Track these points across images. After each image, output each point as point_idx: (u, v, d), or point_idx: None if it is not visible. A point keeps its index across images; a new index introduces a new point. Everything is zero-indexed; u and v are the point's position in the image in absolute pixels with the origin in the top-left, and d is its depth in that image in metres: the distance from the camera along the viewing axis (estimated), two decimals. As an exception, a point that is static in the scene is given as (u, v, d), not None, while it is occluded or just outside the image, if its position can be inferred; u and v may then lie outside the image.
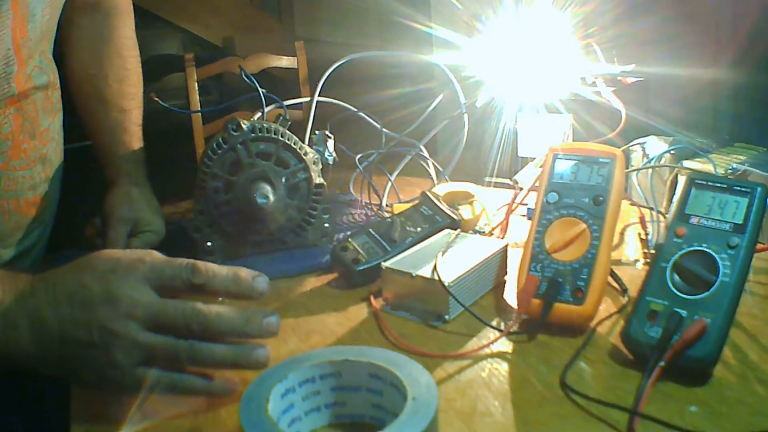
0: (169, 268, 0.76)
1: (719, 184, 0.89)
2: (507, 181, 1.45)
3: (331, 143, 1.30)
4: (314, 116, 1.40)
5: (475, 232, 1.22)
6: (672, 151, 1.31)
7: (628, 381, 0.79)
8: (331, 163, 1.29)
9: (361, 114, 1.44)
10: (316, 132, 1.30)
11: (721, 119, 1.60)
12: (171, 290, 0.76)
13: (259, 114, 1.30)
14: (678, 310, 0.81)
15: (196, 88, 2.24)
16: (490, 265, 1.03)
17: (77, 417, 0.80)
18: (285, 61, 2.35)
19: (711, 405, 0.75)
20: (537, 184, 0.99)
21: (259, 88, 1.28)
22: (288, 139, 1.14)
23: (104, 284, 0.73)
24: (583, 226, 0.93)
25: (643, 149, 1.35)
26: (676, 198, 0.91)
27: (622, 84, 1.39)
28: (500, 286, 1.06)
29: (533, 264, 0.93)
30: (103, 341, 0.72)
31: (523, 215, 1.32)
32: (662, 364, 0.77)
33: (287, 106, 1.32)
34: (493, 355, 0.87)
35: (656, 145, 1.34)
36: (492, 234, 1.22)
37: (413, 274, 0.96)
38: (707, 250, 0.84)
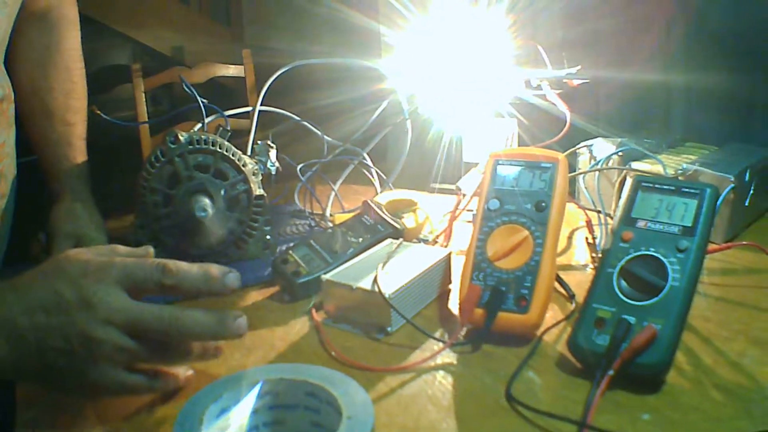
0: (140, 270, 0.75)
1: (667, 186, 0.87)
2: (453, 187, 1.42)
3: (273, 153, 1.26)
4: (257, 126, 1.36)
5: (419, 240, 1.19)
6: (620, 153, 1.29)
7: (577, 391, 0.77)
8: (274, 173, 1.26)
9: (304, 122, 1.41)
10: (258, 142, 1.27)
11: (672, 120, 1.59)
12: (143, 291, 0.75)
13: (199, 125, 1.27)
14: (626, 316, 0.79)
15: (144, 98, 2.20)
16: (432, 274, 1.00)
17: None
18: (232, 70, 2.31)
19: (664, 413, 0.73)
20: (479, 190, 0.97)
21: (199, 99, 1.25)
22: (226, 151, 1.11)
23: (78, 290, 0.72)
24: (526, 233, 0.90)
25: (591, 151, 1.34)
26: (621, 201, 0.88)
27: (569, 87, 1.37)
28: (444, 295, 1.03)
29: (475, 273, 0.90)
30: (84, 348, 0.71)
31: (469, 221, 1.29)
32: (611, 372, 0.74)
33: (229, 116, 1.29)
34: (437, 368, 0.84)
35: (604, 147, 1.32)
36: (436, 242, 1.19)
37: (353, 287, 0.93)
38: (655, 255, 0.82)
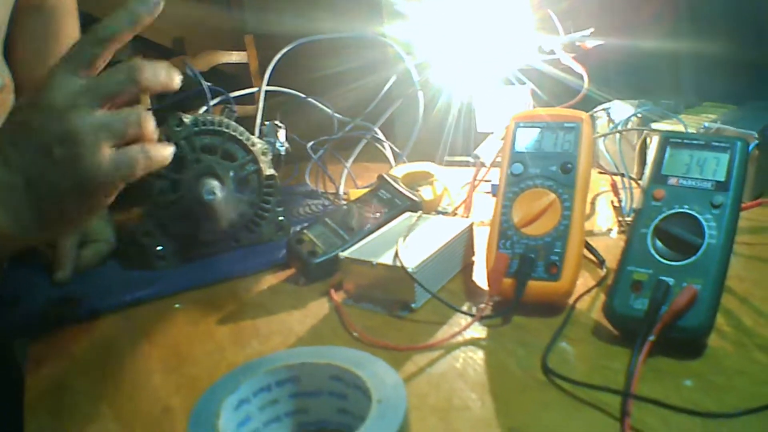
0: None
1: (696, 141, 0.82)
2: (468, 158, 1.38)
3: (282, 133, 1.23)
4: (265, 107, 1.32)
5: (438, 213, 1.15)
6: (639, 115, 1.25)
7: (616, 359, 0.72)
8: (283, 153, 1.23)
9: (311, 100, 1.37)
10: (266, 123, 1.23)
11: (683, 84, 1.56)
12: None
13: (204, 108, 1.23)
14: (664, 278, 0.74)
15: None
16: (455, 246, 0.96)
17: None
18: (235, 57, 2.28)
19: (709, 377, 0.69)
20: (500, 158, 0.93)
21: (203, 82, 1.21)
22: (233, 131, 1.07)
23: (39, 109, 0.72)
24: (553, 196, 0.86)
25: (608, 114, 1.30)
26: (650, 159, 0.84)
27: (582, 51, 1.33)
28: (468, 267, 0.99)
29: (502, 241, 0.86)
30: (66, 146, 0.70)
31: (488, 192, 1.26)
32: (652, 338, 0.70)
33: (234, 98, 1.25)
34: (466, 343, 0.80)
35: (622, 109, 1.28)
36: (456, 214, 1.15)
37: (373, 263, 0.88)
38: (690, 212, 0.77)
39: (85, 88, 0.71)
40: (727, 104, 1.35)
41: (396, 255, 0.88)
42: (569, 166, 0.86)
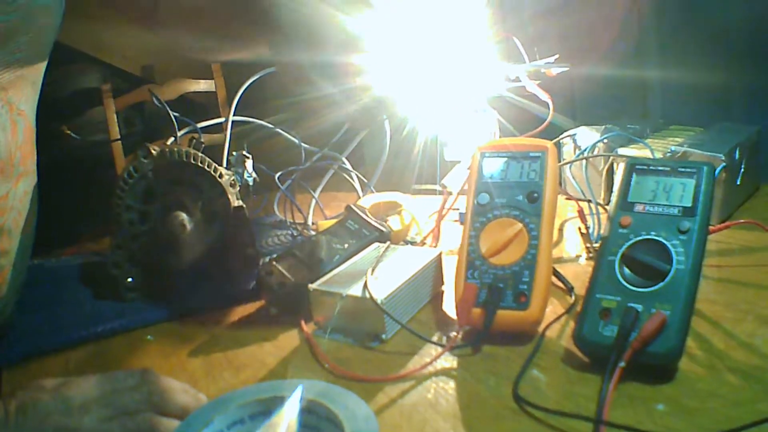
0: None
1: (662, 168, 0.83)
2: (435, 187, 1.39)
3: (250, 163, 1.23)
4: (232, 137, 1.32)
5: (406, 243, 1.16)
6: (605, 140, 1.26)
7: (587, 386, 0.73)
8: (251, 184, 1.22)
9: (278, 130, 1.37)
10: (234, 153, 1.23)
11: (650, 109, 1.57)
12: None
13: (172, 139, 1.22)
14: (633, 305, 0.75)
15: (116, 119, 2.15)
16: (424, 276, 0.96)
17: None
18: (203, 85, 2.27)
19: (681, 401, 0.69)
20: (467, 186, 0.93)
21: (170, 112, 1.21)
22: (201, 162, 1.07)
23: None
24: (520, 225, 0.86)
25: (574, 141, 1.31)
26: (616, 186, 0.85)
27: (546, 78, 1.33)
28: (438, 297, 0.99)
29: (470, 271, 0.86)
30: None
31: (456, 221, 1.26)
32: (622, 364, 0.70)
33: (202, 128, 1.25)
34: (437, 373, 0.80)
35: (588, 135, 1.29)
36: (424, 243, 1.15)
37: (343, 294, 0.88)
38: (657, 238, 0.78)
39: (101, 397, 0.71)
40: (693, 127, 1.36)
41: (365, 286, 0.88)
42: (535, 195, 0.87)
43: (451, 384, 0.77)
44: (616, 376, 0.69)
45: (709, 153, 1.12)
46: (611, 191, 1.28)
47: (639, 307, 0.74)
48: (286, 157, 1.40)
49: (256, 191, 1.27)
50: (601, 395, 0.68)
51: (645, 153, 1.20)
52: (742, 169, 1.17)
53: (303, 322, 0.94)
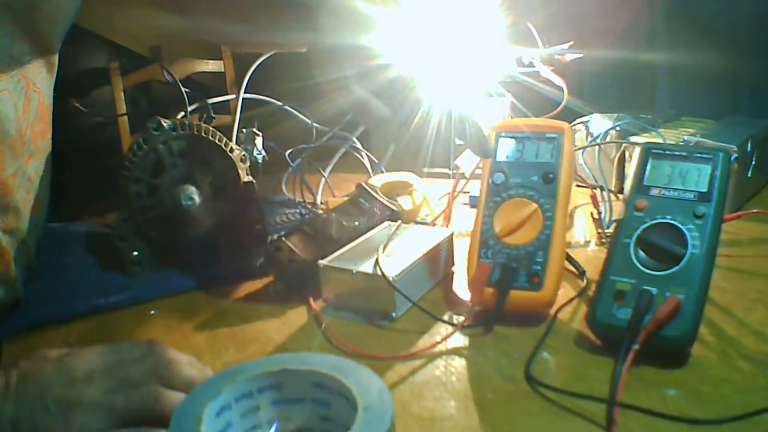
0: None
1: (678, 153, 0.83)
2: (446, 170, 1.38)
3: (260, 141, 1.22)
4: (242, 115, 1.32)
5: (417, 223, 1.15)
6: (617, 128, 1.25)
7: (600, 369, 0.72)
8: (260, 161, 1.22)
9: (289, 108, 1.36)
10: (244, 130, 1.22)
11: (658, 98, 1.56)
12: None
13: (182, 114, 1.22)
14: (647, 287, 0.74)
15: (123, 97, 2.14)
16: (436, 255, 0.95)
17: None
18: (212, 65, 2.25)
19: (693, 386, 0.69)
20: (480, 168, 0.92)
21: (182, 87, 1.20)
22: (212, 136, 1.06)
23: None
24: (534, 206, 0.86)
25: (587, 128, 1.30)
26: (632, 170, 0.84)
27: (560, 63, 1.33)
28: (448, 277, 0.99)
29: (483, 250, 0.86)
30: (61, 410, 0.66)
31: (466, 204, 1.25)
32: (636, 347, 0.70)
33: (212, 104, 1.24)
34: (448, 352, 0.79)
35: (600, 123, 1.29)
36: (435, 224, 1.15)
37: (354, 271, 0.88)
38: (672, 222, 0.78)
39: (105, 368, 0.69)
40: (704, 119, 1.35)
41: (376, 264, 0.88)
42: (551, 176, 0.86)
43: (463, 363, 0.77)
44: (630, 359, 0.69)
45: (721, 144, 1.11)
46: (623, 179, 1.28)
47: (654, 290, 0.74)
48: (296, 137, 1.39)
49: (266, 170, 1.26)
50: (615, 377, 0.68)
51: (658, 142, 1.19)
52: (753, 162, 1.17)
53: (311, 299, 0.93)
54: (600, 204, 1.09)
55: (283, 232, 1.03)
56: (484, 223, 0.87)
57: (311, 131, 1.37)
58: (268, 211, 1.27)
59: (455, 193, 1.13)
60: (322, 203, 1.31)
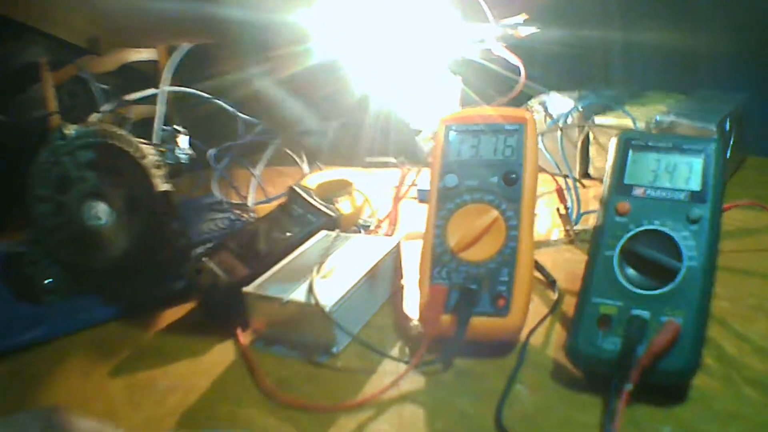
0: None
1: (662, 144, 0.70)
2: (391, 159, 1.24)
3: (184, 139, 1.08)
4: (172, 112, 1.18)
5: (359, 228, 1.01)
6: (580, 108, 1.12)
7: (585, 411, 0.60)
8: (186, 162, 1.07)
9: (215, 100, 1.22)
10: (165, 128, 1.08)
11: (612, 75, 1.51)
12: None
13: (96, 114, 1.08)
14: (638, 311, 0.62)
15: (53, 94, 2.01)
16: (381, 272, 0.82)
17: None
18: (145, 54, 2.12)
19: (697, 427, 0.57)
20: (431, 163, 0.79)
21: (94, 85, 1.07)
22: (121, 143, 0.92)
23: None
24: (495, 213, 0.72)
25: (545, 108, 1.17)
26: (609, 165, 0.71)
27: (513, 39, 1.19)
28: (398, 293, 0.85)
29: (436, 269, 0.72)
30: None
31: (414, 198, 1.11)
32: (629, 387, 0.57)
33: (132, 101, 1.11)
34: (401, 398, 0.66)
35: (560, 102, 1.16)
36: (380, 228, 1.01)
37: (284, 300, 0.74)
38: (662, 229, 0.65)
39: None
40: (672, 93, 1.24)
41: (310, 289, 0.74)
42: (513, 176, 0.73)
43: (419, 412, 0.64)
44: (623, 402, 0.56)
45: (699, 124, 1.00)
46: (587, 165, 1.15)
47: (646, 315, 0.61)
48: (228, 132, 1.25)
49: (193, 169, 1.13)
50: (606, 425, 0.55)
51: (626, 122, 1.08)
52: (732, 141, 1.07)
53: (239, 331, 0.79)
54: (566, 197, 0.95)
55: (202, 252, 0.89)
56: (435, 237, 0.73)
57: (241, 125, 1.23)
58: (195, 217, 1.14)
59: (400, 193, 0.99)
60: (253, 206, 1.16)
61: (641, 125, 1.06)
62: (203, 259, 0.85)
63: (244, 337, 0.78)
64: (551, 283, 0.81)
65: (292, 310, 0.74)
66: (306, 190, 0.95)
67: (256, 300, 0.77)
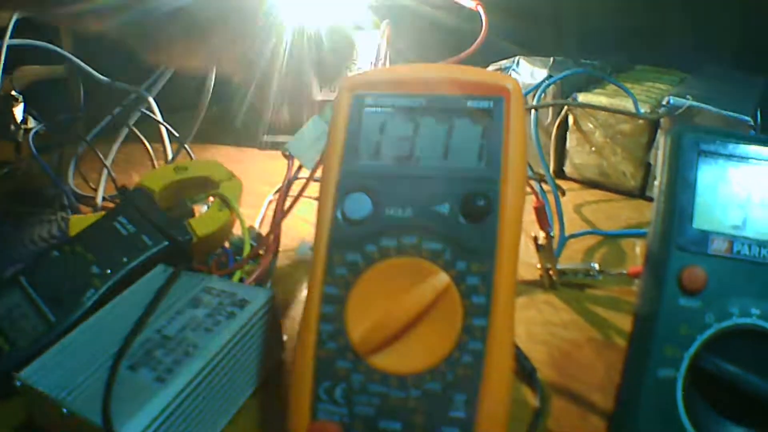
0: None
1: (758, 152, 0.38)
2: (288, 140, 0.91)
3: (19, 109, 0.80)
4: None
5: (220, 260, 0.63)
6: (559, 81, 0.81)
7: None
8: (21, 141, 0.80)
9: (68, 56, 0.88)
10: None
11: (566, 38, 1.25)
12: None
13: None
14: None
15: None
16: (241, 351, 0.47)
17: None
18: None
19: None
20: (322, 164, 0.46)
21: None
22: None
23: None
24: (444, 278, 0.38)
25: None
26: (657, 187, 0.39)
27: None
28: (275, 374, 0.51)
29: (324, 385, 0.38)
30: None
31: (316, 198, 0.77)
32: None
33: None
34: None
35: (530, 72, 0.84)
36: (255, 258, 0.61)
37: (64, 410, 0.40)
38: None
39: None
40: (670, 69, 0.95)
41: (108, 391, 0.40)
42: (482, 203, 0.39)
43: None
44: None
45: (732, 114, 0.72)
46: (563, 159, 0.84)
47: None
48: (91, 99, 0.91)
49: (47, 148, 0.83)
50: None
51: (623, 104, 0.76)
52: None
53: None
54: (545, 220, 0.61)
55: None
56: (323, 321, 0.39)
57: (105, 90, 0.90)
58: (27, 221, 0.77)
59: (284, 205, 0.61)
60: (104, 199, 0.81)
61: (644, 109, 0.75)
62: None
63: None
64: (529, 373, 0.49)
65: (75, 425, 0.40)
66: (146, 191, 0.61)
67: (32, 394, 0.42)
